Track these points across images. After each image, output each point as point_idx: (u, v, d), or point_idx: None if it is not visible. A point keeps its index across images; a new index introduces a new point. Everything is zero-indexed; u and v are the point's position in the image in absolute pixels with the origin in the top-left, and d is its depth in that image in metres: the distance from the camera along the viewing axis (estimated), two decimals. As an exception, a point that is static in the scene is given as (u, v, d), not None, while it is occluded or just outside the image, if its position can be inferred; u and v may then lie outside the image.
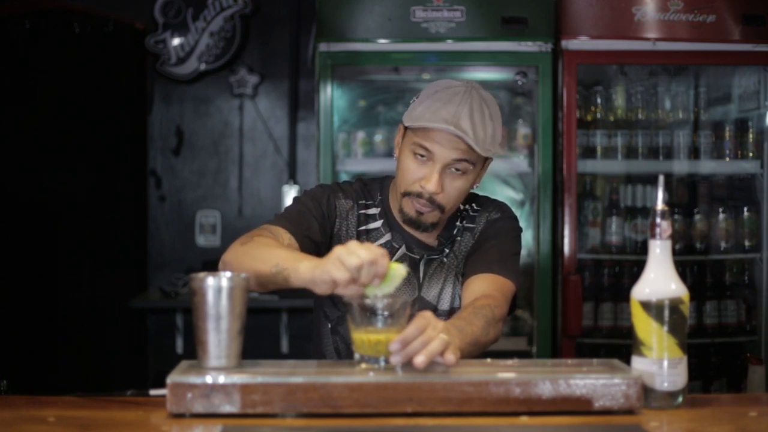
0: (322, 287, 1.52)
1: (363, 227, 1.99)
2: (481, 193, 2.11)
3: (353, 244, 1.50)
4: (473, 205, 2.06)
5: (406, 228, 1.98)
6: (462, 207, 2.04)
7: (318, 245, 1.89)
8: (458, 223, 2.02)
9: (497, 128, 1.89)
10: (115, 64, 4.85)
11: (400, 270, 1.53)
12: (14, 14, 4.78)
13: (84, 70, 4.84)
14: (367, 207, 2.01)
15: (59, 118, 4.83)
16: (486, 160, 1.94)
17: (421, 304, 1.95)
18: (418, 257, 1.98)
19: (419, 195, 1.88)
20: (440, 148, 1.84)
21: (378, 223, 2.00)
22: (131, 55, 4.84)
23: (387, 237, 1.99)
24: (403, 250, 1.98)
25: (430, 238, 2.00)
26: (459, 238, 2.01)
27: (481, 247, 1.98)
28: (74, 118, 4.83)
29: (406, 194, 1.90)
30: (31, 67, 4.83)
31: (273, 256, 1.65)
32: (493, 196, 2.11)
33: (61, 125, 4.82)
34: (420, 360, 1.43)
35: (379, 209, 2.00)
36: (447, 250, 2.00)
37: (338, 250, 1.50)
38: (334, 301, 2.00)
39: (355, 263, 1.47)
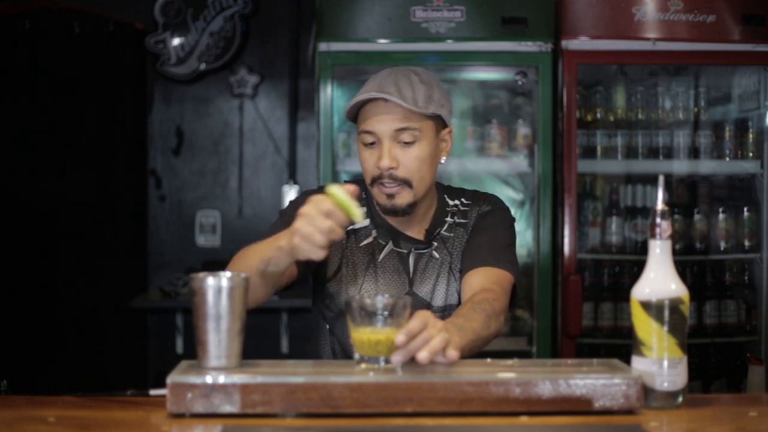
0: (313, 252, 1.56)
1: (351, 226, 1.98)
2: (470, 188, 2.12)
3: (306, 214, 1.55)
4: (463, 200, 2.06)
5: (392, 223, 1.98)
6: (452, 202, 2.04)
7: (314, 265, 1.93)
8: (449, 219, 2.02)
9: (433, 90, 1.91)
10: (115, 64, 4.85)
11: (336, 192, 1.56)
12: (14, 14, 4.77)
13: (84, 70, 4.83)
14: None
15: (59, 118, 4.82)
16: (441, 129, 1.95)
17: (413, 300, 1.94)
18: (405, 251, 1.98)
19: (381, 177, 1.90)
20: (378, 124, 1.88)
21: (365, 221, 2.01)
22: (131, 55, 4.84)
23: (373, 234, 1.99)
24: (390, 245, 1.99)
25: (416, 232, 2.00)
26: (451, 235, 2.01)
27: (475, 241, 1.98)
28: (74, 118, 4.83)
29: (373, 182, 1.92)
30: (31, 67, 4.83)
31: (255, 253, 1.72)
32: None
33: (61, 125, 4.82)
34: (423, 355, 1.43)
35: (364, 208, 2.01)
36: (435, 244, 2.00)
37: (299, 228, 1.55)
38: (328, 302, 2.01)
39: (318, 240, 1.53)
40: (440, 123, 1.95)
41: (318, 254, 1.55)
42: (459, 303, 1.96)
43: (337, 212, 1.54)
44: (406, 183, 1.90)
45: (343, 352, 1.99)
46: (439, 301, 1.98)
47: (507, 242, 2.00)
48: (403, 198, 1.91)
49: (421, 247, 1.99)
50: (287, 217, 1.85)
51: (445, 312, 1.95)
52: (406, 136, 1.88)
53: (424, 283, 1.98)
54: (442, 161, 1.98)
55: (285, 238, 1.63)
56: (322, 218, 1.53)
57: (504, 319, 1.80)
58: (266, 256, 1.68)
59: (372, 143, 1.90)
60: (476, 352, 1.69)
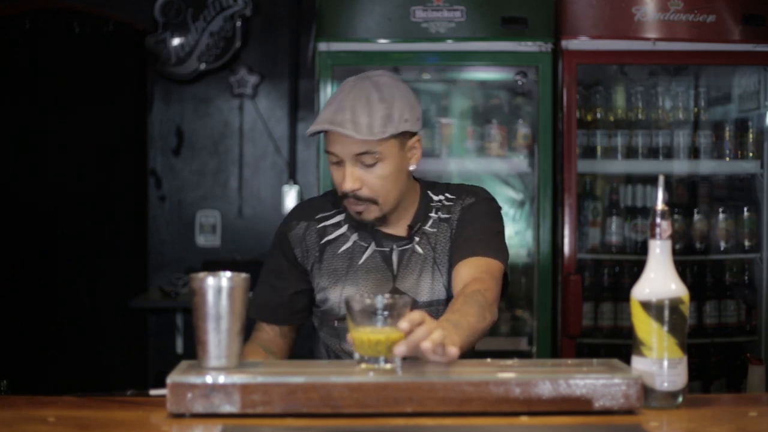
0: None
1: (325, 239, 2.02)
2: (456, 182, 2.13)
3: None
4: (447, 194, 2.06)
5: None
6: (436, 198, 2.05)
7: (304, 289, 2.04)
8: (433, 214, 2.02)
9: (393, 107, 1.88)
10: (115, 64, 4.85)
11: None
12: (14, 14, 4.77)
13: (84, 70, 4.83)
14: (327, 218, 2.04)
15: (59, 118, 4.82)
16: (408, 140, 1.93)
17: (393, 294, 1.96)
18: (388, 249, 1.99)
19: (346, 196, 1.92)
20: (339, 147, 1.89)
21: (342, 229, 2.03)
22: (131, 55, 4.84)
23: (354, 238, 2.01)
24: (372, 246, 2.00)
25: (398, 229, 2.01)
26: (435, 230, 2.01)
27: (461, 234, 1.98)
28: (74, 117, 4.83)
29: (342, 199, 1.95)
30: (31, 67, 4.83)
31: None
32: (492, 196, 2.11)
33: (61, 125, 4.82)
34: (427, 345, 1.43)
35: (343, 215, 2.03)
36: (418, 239, 2.00)
37: None
38: (315, 310, 2.07)
39: None
40: (405, 135, 1.93)
41: None
42: (447, 298, 1.96)
43: None
44: (372, 201, 1.92)
45: (336, 358, 2.03)
46: (424, 296, 1.97)
47: (493, 231, 1.99)
48: (371, 213, 1.94)
49: (403, 243, 2.00)
50: (274, 257, 2.05)
51: (431, 307, 1.95)
52: (367, 159, 1.88)
53: (408, 279, 1.98)
54: (412, 168, 1.98)
55: None
56: None
57: (497, 308, 1.80)
58: None
59: (336, 162, 1.92)
60: (474, 344, 1.69)
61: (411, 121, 1.92)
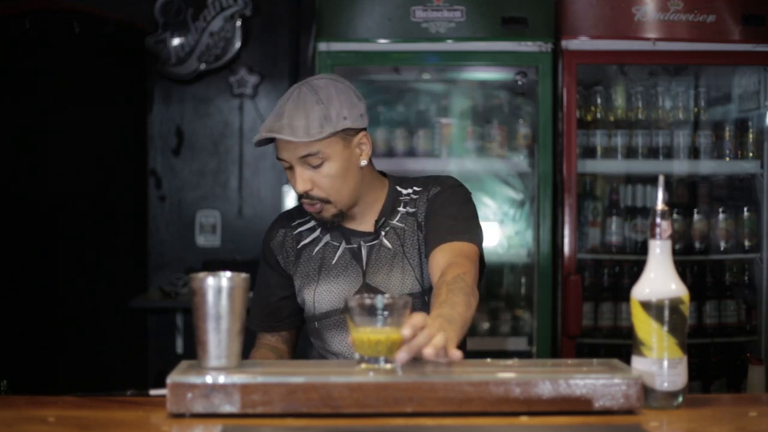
0: None
1: (301, 244, 2.08)
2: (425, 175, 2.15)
3: None
4: (414, 188, 2.08)
5: (341, 223, 2.03)
6: (404, 192, 2.07)
7: (290, 294, 2.10)
8: (401, 209, 2.05)
9: (331, 107, 1.91)
10: (115, 64, 4.85)
11: None
12: (14, 14, 4.77)
13: (84, 70, 4.83)
14: (302, 224, 2.11)
15: (59, 118, 4.82)
16: (353, 136, 1.96)
17: (367, 291, 1.97)
18: (356, 246, 2.03)
19: (301, 197, 1.97)
20: (285, 152, 1.94)
21: (316, 233, 2.08)
22: (131, 55, 4.84)
23: (326, 239, 2.06)
24: (343, 245, 2.04)
25: (365, 225, 2.04)
26: (403, 225, 2.03)
27: (430, 223, 1.99)
28: (74, 118, 4.83)
29: (299, 200, 2.01)
30: (31, 67, 4.83)
31: None
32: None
33: (61, 125, 4.82)
34: (429, 351, 1.44)
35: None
36: (383, 233, 2.02)
37: None
38: (305, 312, 2.10)
39: None
40: (349, 133, 1.95)
41: None
42: (421, 291, 1.98)
43: None
44: (324, 201, 1.96)
45: (322, 358, 2.07)
46: (395, 290, 1.99)
47: (464, 215, 1.99)
48: (327, 212, 1.98)
49: (369, 238, 2.03)
50: (261, 268, 2.13)
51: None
52: (312, 160, 1.92)
53: (378, 274, 2.00)
54: (363, 164, 1.99)
55: None
56: None
57: (477, 293, 1.80)
58: None
59: (289, 167, 1.96)
60: (465, 334, 1.70)
61: (351, 118, 1.94)
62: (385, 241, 2.02)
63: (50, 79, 4.82)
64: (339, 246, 2.04)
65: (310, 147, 1.90)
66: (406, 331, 1.44)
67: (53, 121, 4.82)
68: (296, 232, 2.10)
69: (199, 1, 4.73)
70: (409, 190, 2.07)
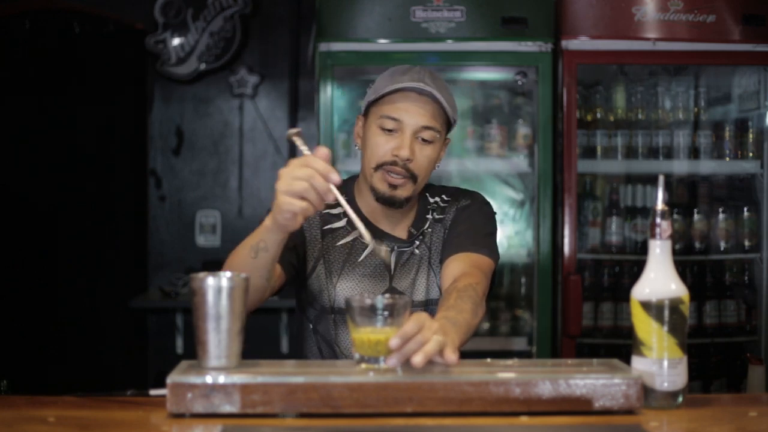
0: (294, 221, 1.57)
1: (327, 226, 2.01)
2: (453, 186, 2.15)
3: (284, 172, 1.55)
4: (443, 196, 2.08)
5: (375, 224, 1.99)
6: (432, 200, 2.06)
7: (297, 265, 1.95)
8: (429, 216, 2.04)
9: (453, 97, 1.94)
10: (115, 64, 4.85)
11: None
12: (14, 14, 4.77)
13: (84, 70, 4.84)
14: (330, 207, 2.02)
15: (59, 117, 4.83)
16: (445, 138, 1.98)
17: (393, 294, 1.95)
18: (388, 250, 2.00)
19: (393, 164, 1.90)
20: (408, 115, 1.89)
21: (342, 222, 2.01)
22: (131, 55, 4.84)
23: (354, 234, 1.99)
24: (372, 244, 1.98)
25: (399, 231, 2.01)
26: (430, 230, 2.03)
27: (453, 232, 2.00)
28: (74, 117, 4.83)
29: (379, 167, 1.92)
30: (31, 67, 4.83)
31: (244, 246, 1.74)
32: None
33: (61, 125, 4.83)
34: (418, 359, 1.43)
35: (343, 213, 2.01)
36: (417, 242, 2.01)
37: (279, 185, 1.55)
38: (311, 300, 2.02)
39: (298, 188, 1.52)
40: (448, 131, 1.99)
41: (300, 205, 1.54)
42: (441, 296, 1.96)
43: (313, 161, 1.54)
44: (413, 178, 1.92)
45: (330, 350, 2.00)
46: (419, 295, 1.99)
47: (486, 231, 2.00)
48: (405, 191, 1.92)
49: (404, 245, 2.01)
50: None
51: (427, 307, 1.97)
52: (426, 135, 1.90)
53: (404, 278, 1.99)
54: (437, 167, 2.01)
55: (269, 218, 1.65)
56: (299, 168, 1.54)
57: (485, 305, 1.81)
58: (254, 242, 1.69)
59: (391, 130, 1.91)
60: (468, 340, 1.70)
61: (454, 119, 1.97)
62: (416, 250, 2.01)
63: (50, 79, 4.82)
64: (368, 245, 1.99)
65: (436, 121, 1.89)
66: (393, 342, 1.42)
67: (53, 121, 4.82)
68: (325, 212, 2.01)
69: (199, 1, 4.73)
70: (437, 198, 2.07)
